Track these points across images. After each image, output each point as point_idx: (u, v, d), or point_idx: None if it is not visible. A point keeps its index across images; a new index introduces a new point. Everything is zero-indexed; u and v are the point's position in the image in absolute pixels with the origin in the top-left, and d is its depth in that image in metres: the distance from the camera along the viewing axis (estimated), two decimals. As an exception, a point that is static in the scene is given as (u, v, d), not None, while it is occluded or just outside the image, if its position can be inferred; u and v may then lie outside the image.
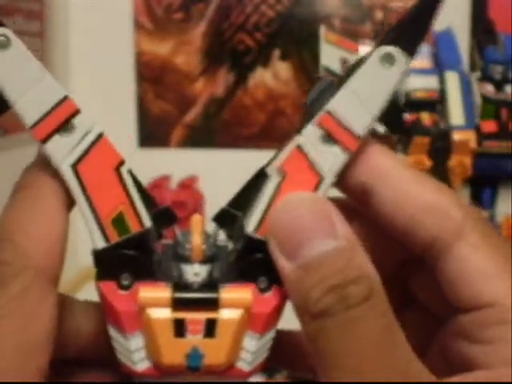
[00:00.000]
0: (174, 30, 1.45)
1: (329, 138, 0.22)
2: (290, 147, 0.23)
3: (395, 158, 0.23)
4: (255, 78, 1.43)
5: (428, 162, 0.93)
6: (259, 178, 0.24)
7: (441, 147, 0.93)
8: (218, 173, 1.40)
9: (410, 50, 0.23)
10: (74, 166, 0.22)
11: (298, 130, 0.24)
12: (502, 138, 0.93)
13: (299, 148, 0.23)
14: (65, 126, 0.22)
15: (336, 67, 1.05)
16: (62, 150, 0.22)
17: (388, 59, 0.23)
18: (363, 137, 0.22)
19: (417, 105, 0.96)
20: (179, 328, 0.21)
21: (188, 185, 1.04)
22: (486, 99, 0.94)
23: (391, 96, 0.23)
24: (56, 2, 1.39)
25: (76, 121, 0.22)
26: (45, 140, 0.21)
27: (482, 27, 1.00)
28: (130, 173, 0.22)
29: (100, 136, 0.22)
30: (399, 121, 0.24)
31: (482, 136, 0.93)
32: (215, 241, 0.22)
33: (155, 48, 1.46)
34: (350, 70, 0.23)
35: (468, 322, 0.21)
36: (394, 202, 0.22)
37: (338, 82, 0.23)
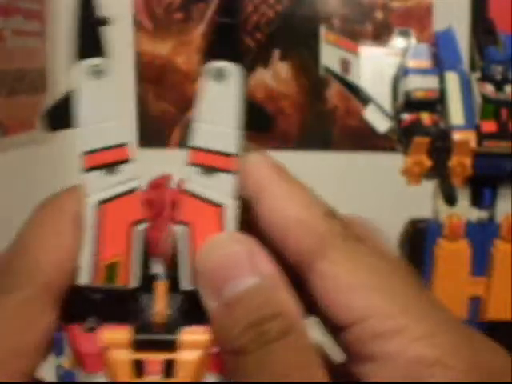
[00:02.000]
0: (174, 30, 1.45)
1: (207, 169, 0.23)
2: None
3: (275, 169, 0.24)
4: (255, 78, 1.43)
5: (428, 162, 0.93)
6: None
7: (441, 147, 0.93)
8: (218, 173, 1.40)
9: (237, 60, 0.23)
10: (100, 203, 0.22)
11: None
12: (501, 138, 0.93)
13: (187, 192, 0.23)
14: (111, 167, 0.23)
15: (336, 67, 1.05)
16: (98, 185, 0.23)
17: (219, 74, 0.23)
18: (239, 151, 0.22)
19: (417, 105, 0.96)
20: (139, 369, 0.21)
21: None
22: (486, 99, 0.94)
23: (242, 101, 0.22)
24: (56, 1, 1.39)
25: (122, 167, 0.23)
26: (88, 170, 0.23)
27: (482, 27, 0.99)
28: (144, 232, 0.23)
29: (134, 190, 0.24)
30: (262, 117, 0.24)
31: (481, 136, 0.93)
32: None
33: (155, 48, 1.46)
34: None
35: (347, 339, 0.20)
36: (267, 216, 0.22)
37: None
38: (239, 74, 0.23)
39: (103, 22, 0.25)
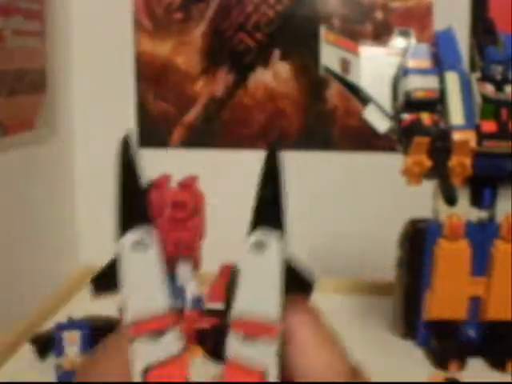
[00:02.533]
0: (174, 30, 1.45)
1: (250, 337, 0.23)
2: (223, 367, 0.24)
3: (311, 326, 0.25)
4: (255, 77, 1.43)
5: (428, 162, 0.93)
6: None
7: (441, 147, 0.93)
8: (218, 173, 1.40)
9: (279, 229, 0.24)
10: (146, 371, 0.23)
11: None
12: (501, 138, 0.93)
13: (230, 361, 0.24)
14: (155, 335, 0.24)
15: (336, 67, 1.05)
16: (143, 353, 0.24)
17: (258, 247, 0.24)
18: (280, 318, 0.23)
19: (417, 105, 0.96)
20: None
21: (188, 185, 1.04)
22: (486, 99, 0.94)
23: (284, 265, 0.24)
24: (56, 1, 1.39)
25: (166, 334, 0.24)
26: (134, 339, 0.24)
27: (482, 27, 0.99)
28: None
29: (178, 355, 0.24)
30: (303, 281, 0.25)
31: (481, 136, 0.93)
32: None
33: (155, 48, 1.46)
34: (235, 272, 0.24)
35: None
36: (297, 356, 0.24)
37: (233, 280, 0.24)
38: (280, 243, 0.24)
39: (147, 189, 0.25)
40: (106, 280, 0.24)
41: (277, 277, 0.23)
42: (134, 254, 0.24)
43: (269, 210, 0.24)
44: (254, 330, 0.23)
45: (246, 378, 0.23)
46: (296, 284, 0.24)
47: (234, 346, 0.23)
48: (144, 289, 0.24)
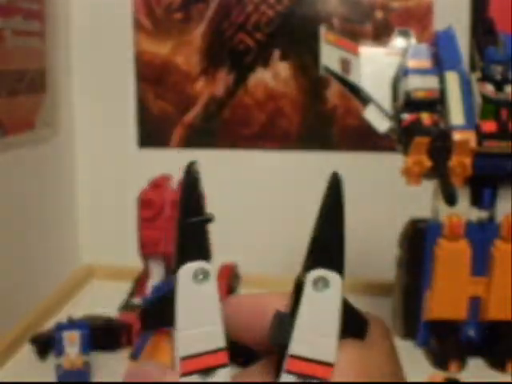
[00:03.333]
0: (174, 30, 1.45)
1: (304, 377, 0.23)
2: None
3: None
4: (255, 78, 1.43)
5: (428, 162, 0.93)
6: None
7: (441, 147, 0.93)
8: (218, 173, 1.40)
9: (339, 269, 0.23)
10: None
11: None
12: (501, 138, 0.93)
13: None
14: (206, 372, 0.23)
15: (336, 67, 1.05)
16: None
17: (322, 283, 0.23)
18: (335, 360, 0.23)
19: (417, 105, 0.96)
20: None
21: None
22: (486, 99, 0.94)
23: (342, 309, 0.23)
24: (56, 1, 1.39)
25: (218, 371, 0.23)
26: (185, 375, 0.23)
27: (482, 27, 0.99)
28: None
29: None
30: (358, 323, 0.24)
31: (482, 136, 0.93)
32: None
33: (155, 48, 1.46)
34: (294, 300, 0.23)
35: None
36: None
37: (290, 313, 0.23)
38: (340, 284, 0.23)
39: (209, 220, 0.25)
40: (157, 314, 0.23)
41: (337, 317, 0.23)
42: (191, 284, 0.23)
43: (332, 251, 0.24)
44: (310, 371, 0.22)
45: None
46: (351, 325, 0.23)
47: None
48: (200, 322, 0.23)
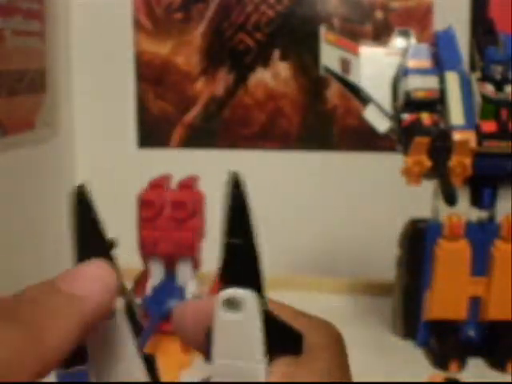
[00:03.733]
0: (174, 30, 1.45)
1: None
2: None
3: None
4: (255, 78, 1.43)
5: (428, 162, 0.93)
6: None
7: (441, 147, 0.93)
8: (218, 173, 1.40)
9: (252, 285, 0.20)
10: None
11: None
12: (501, 138, 0.93)
13: None
14: None
15: (336, 67, 1.05)
16: None
17: (234, 303, 0.20)
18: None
19: (417, 105, 0.96)
20: None
21: (188, 185, 1.04)
22: (486, 99, 0.94)
23: (263, 330, 0.20)
24: (56, 1, 1.39)
25: None
26: None
27: (482, 27, 1.00)
28: None
29: None
30: (289, 337, 0.21)
31: (481, 136, 0.93)
32: None
33: (155, 48, 1.46)
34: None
35: None
36: None
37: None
38: (255, 302, 0.20)
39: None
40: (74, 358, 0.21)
41: (258, 338, 0.20)
42: (226, 312, 0.20)
43: (241, 265, 0.21)
44: None
45: None
46: (282, 341, 0.21)
47: None
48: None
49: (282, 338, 0.21)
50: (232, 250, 0.21)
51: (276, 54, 1.42)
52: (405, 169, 0.94)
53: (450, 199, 0.89)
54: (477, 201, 0.97)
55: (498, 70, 0.93)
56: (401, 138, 0.98)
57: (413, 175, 0.94)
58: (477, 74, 0.96)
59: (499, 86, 0.94)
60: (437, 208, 0.98)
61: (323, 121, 1.44)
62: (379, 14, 1.38)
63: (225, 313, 0.20)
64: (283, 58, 1.42)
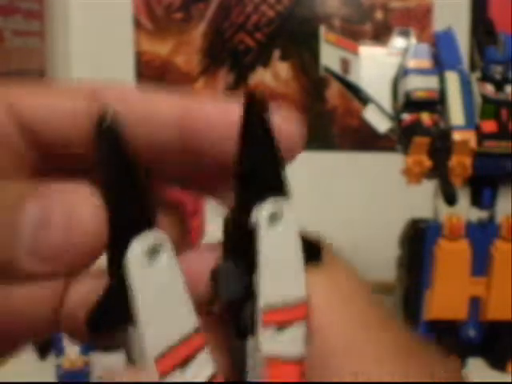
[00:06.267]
0: (174, 30, 1.45)
1: (282, 326, 0.20)
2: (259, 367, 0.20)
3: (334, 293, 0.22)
4: (255, 78, 1.43)
5: (428, 162, 0.93)
6: None
7: (441, 147, 0.93)
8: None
9: (285, 192, 0.20)
10: None
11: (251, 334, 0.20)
12: (501, 138, 0.93)
13: (269, 359, 0.20)
14: (185, 363, 0.19)
15: (336, 67, 1.05)
16: None
17: (275, 216, 0.20)
18: (307, 295, 0.20)
19: (417, 105, 0.96)
20: None
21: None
22: (486, 99, 0.94)
23: (299, 235, 0.20)
24: (56, 1, 1.39)
25: (196, 358, 0.19)
26: (162, 375, 0.18)
27: (482, 27, 1.00)
28: None
29: (213, 377, 0.19)
30: (314, 249, 0.21)
31: (481, 136, 0.93)
32: None
33: (155, 48, 1.46)
34: (231, 247, 0.20)
35: None
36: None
37: (233, 263, 0.20)
38: (292, 211, 0.20)
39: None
40: (106, 315, 0.18)
41: (298, 247, 0.20)
42: (147, 266, 0.18)
43: (270, 174, 0.20)
44: (288, 316, 0.20)
45: (291, 372, 0.20)
46: (308, 253, 0.21)
47: (268, 340, 0.20)
48: (166, 308, 0.18)
49: (304, 245, 0.20)
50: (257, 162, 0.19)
51: (276, 53, 1.42)
52: (405, 169, 0.94)
53: (450, 199, 0.89)
54: (477, 201, 0.97)
55: (498, 70, 0.93)
56: (401, 138, 0.98)
57: (413, 175, 0.94)
58: (477, 74, 0.96)
59: (499, 85, 0.94)
60: (437, 208, 0.98)
61: (323, 121, 1.44)
62: (379, 14, 1.38)
63: (268, 228, 0.19)
64: (283, 58, 1.42)
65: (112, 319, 0.18)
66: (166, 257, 0.18)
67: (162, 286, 0.18)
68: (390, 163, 1.07)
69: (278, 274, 0.20)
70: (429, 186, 0.99)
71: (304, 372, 0.20)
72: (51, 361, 0.92)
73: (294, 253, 0.20)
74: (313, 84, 1.42)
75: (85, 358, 0.89)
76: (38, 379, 0.89)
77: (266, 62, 1.43)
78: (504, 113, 0.92)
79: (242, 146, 0.19)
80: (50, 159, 0.20)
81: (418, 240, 1.01)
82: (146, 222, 0.18)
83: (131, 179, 0.18)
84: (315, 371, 0.20)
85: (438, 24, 1.29)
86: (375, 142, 1.37)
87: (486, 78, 0.94)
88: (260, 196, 0.19)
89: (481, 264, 0.96)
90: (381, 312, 0.22)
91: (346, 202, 1.44)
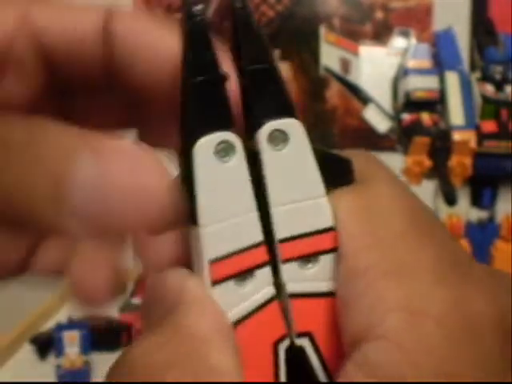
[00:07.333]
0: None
1: (307, 259, 0.18)
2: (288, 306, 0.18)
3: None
4: (255, 77, 1.43)
5: (428, 162, 0.93)
6: None
7: (441, 147, 0.93)
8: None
9: (291, 111, 0.18)
10: (234, 324, 0.18)
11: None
12: (501, 138, 0.93)
13: (293, 297, 0.18)
14: (245, 275, 0.18)
15: (336, 67, 1.05)
16: (229, 301, 0.17)
17: (279, 136, 0.18)
18: (333, 221, 0.18)
19: (417, 105, 0.96)
20: None
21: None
22: (486, 99, 0.94)
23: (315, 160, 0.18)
24: (56, 1, 1.39)
25: (255, 273, 0.18)
26: (216, 283, 0.17)
27: (482, 27, 1.00)
28: (288, 350, 0.18)
29: (272, 299, 0.18)
30: (342, 168, 0.19)
31: (481, 136, 0.93)
32: None
33: (155, 48, 1.46)
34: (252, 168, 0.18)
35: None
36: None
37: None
38: (301, 129, 0.18)
39: (224, 78, 0.19)
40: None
41: (314, 170, 0.18)
42: (217, 163, 0.17)
43: (270, 87, 0.19)
44: (312, 247, 0.18)
45: (318, 308, 0.18)
46: (334, 173, 0.18)
47: (292, 276, 0.18)
48: (230, 211, 0.17)
49: (329, 166, 0.19)
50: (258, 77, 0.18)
51: (276, 54, 1.42)
52: (405, 169, 0.94)
53: (450, 199, 0.89)
54: (477, 201, 0.97)
55: (497, 70, 0.93)
56: (401, 138, 0.98)
57: (413, 175, 0.94)
58: (477, 74, 0.96)
59: (499, 86, 0.94)
60: (437, 208, 0.98)
61: (323, 121, 1.44)
62: (379, 14, 1.38)
63: (272, 149, 0.18)
64: (283, 58, 1.42)
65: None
66: (237, 159, 0.17)
67: (228, 187, 0.17)
68: (390, 163, 1.06)
69: (292, 201, 0.18)
70: (429, 186, 0.99)
71: (334, 307, 0.18)
72: (51, 361, 0.92)
73: (309, 175, 0.18)
74: (313, 84, 1.42)
75: (85, 358, 0.89)
76: (38, 379, 0.89)
77: (266, 62, 1.43)
78: (504, 113, 0.92)
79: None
80: (58, 81, 0.19)
81: (418, 240, 1.01)
82: (221, 122, 0.18)
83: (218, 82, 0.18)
84: (346, 303, 0.17)
85: (438, 24, 1.29)
86: (375, 142, 1.38)
87: (486, 78, 0.94)
88: (262, 120, 0.18)
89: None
90: (427, 229, 0.18)
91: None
